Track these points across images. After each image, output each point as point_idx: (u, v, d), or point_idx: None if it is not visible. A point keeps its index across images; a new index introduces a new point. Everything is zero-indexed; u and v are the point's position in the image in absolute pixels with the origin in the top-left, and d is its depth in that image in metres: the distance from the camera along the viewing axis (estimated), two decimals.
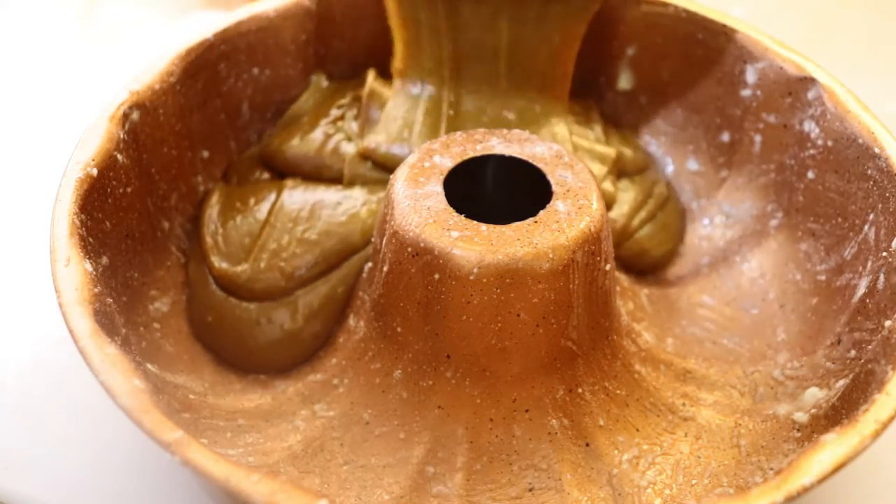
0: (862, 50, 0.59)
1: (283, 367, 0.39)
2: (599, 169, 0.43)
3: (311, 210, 0.41)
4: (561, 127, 0.44)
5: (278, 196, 0.41)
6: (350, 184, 0.42)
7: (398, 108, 0.43)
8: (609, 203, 0.43)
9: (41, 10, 0.62)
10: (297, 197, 0.41)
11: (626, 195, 0.44)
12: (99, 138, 0.36)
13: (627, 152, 0.46)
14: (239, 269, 0.40)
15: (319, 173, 0.42)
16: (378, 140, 0.42)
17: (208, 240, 0.40)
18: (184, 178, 0.42)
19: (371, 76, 0.45)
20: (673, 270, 0.44)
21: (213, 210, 0.41)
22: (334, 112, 0.45)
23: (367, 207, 0.41)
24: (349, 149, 0.43)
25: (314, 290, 0.40)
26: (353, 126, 0.44)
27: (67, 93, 0.55)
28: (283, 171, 0.43)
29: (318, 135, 0.44)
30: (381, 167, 0.42)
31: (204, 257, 0.40)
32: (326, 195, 0.41)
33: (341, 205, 0.41)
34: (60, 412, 0.39)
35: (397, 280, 0.35)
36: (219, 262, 0.40)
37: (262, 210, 0.41)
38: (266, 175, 0.43)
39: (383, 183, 0.41)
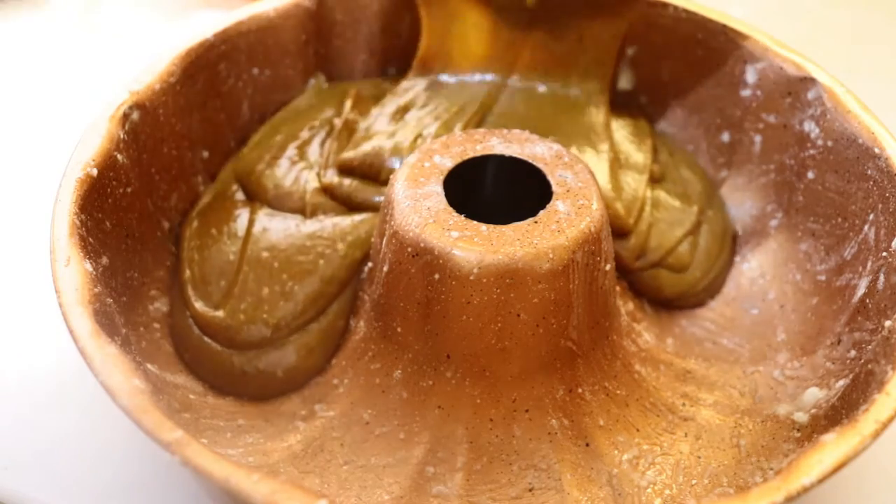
0: (862, 50, 0.59)
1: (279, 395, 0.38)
2: (680, 231, 0.43)
3: (286, 255, 0.39)
4: (639, 184, 0.43)
5: (248, 232, 0.40)
6: (313, 214, 0.41)
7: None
8: (681, 268, 0.42)
9: (41, 11, 0.62)
10: (267, 240, 0.40)
11: (701, 256, 0.43)
12: (99, 138, 0.36)
13: (696, 185, 0.45)
14: (218, 314, 0.38)
15: (283, 203, 0.41)
16: (341, 179, 0.42)
17: (187, 271, 0.39)
18: (184, 178, 0.41)
19: (349, 104, 0.45)
20: None
21: (193, 225, 0.41)
22: (304, 134, 0.44)
23: (344, 242, 0.39)
24: (310, 179, 0.42)
25: (309, 331, 0.38)
26: (317, 152, 0.43)
27: (67, 93, 0.55)
28: (249, 193, 0.42)
29: (283, 163, 0.43)
30: (342, 202, 0.41)
31: (181, 288, 0.39)
32: (297, 233, 0.40)
33: (314, 247, 0.39)
34: (60, 412, 0.39)
35: (397, 280, 0.35)
36: (195, 300, 0.38)
37: (234, 246, 0.40)
38: (239, 194, 0.42)
39: (347, 211, 0.41)
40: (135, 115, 0.38)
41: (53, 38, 0.60)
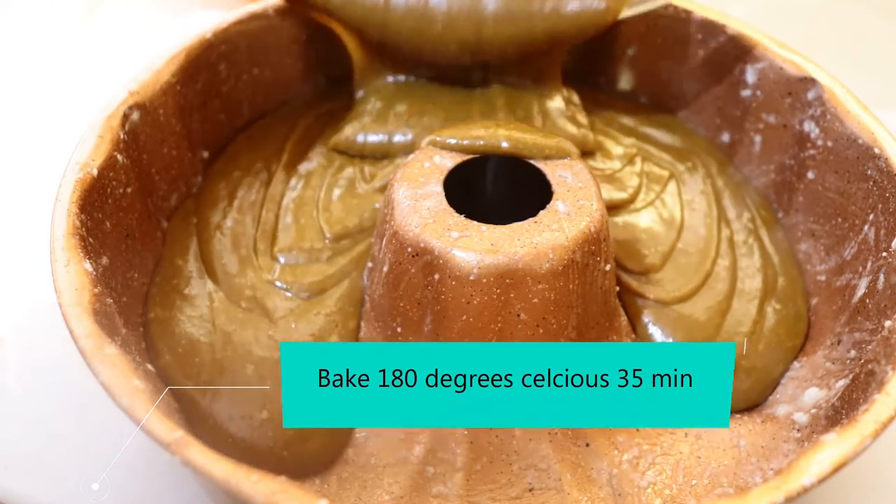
0: (862, 50, 0.59)
1: None
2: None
3: (276, 374, 0.35)
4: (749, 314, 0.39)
5: (214, 324, 0.37)
6: (277, 315, 0.37)
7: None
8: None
9: (42, 11, 0.62)
10: (244, 347, 0.36)
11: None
12: (99, 138, 0.36)
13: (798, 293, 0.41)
14: (193, 392, 0.34)
15: (237, 298, 0.38)
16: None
17: (151, 312, 0.37)
18: (184, 178, 0.41)
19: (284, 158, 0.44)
20: None
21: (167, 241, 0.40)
22: (240, 193, 0.42)
23: (335, 333, 0.37)
24: (252, 272, 0.39)
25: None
26: (251, 221, 0.41)
27: (67, 93, 0.55)
28: (201, 252, 0.40)
29: (226, 237, 0.40)
30: (295, 287, 0.38)
31: (148, 326, 0.36)
32: (277, 344, 0.36)
33: None
34: (60, 412, 0.39)
35: (397, 280, 0.35)
36: (164, 353, 0.35)
37: (202, 326, 0.37)
38: (193, 261, 0.39)
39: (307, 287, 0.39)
40: (135, 115, 0.38)
41: (54, 38, 0.60)
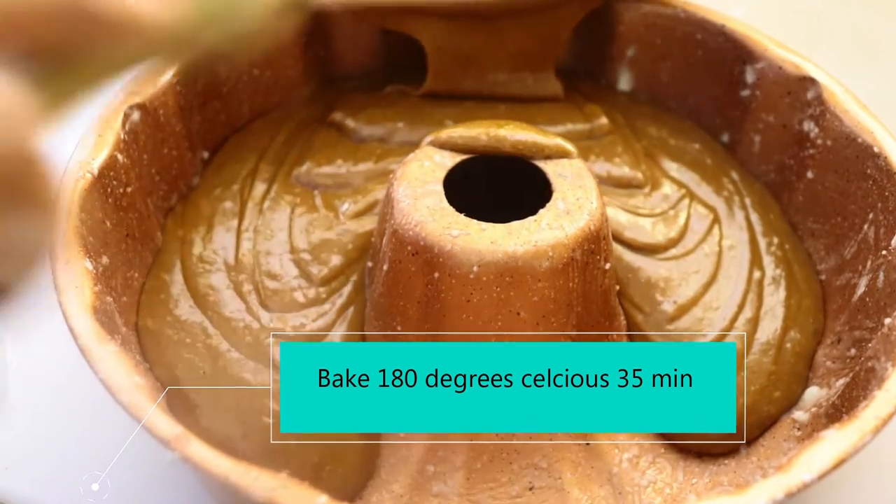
0: (862, 50, 0.59)
1: None
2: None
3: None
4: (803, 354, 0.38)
5: (216, 363, 0.36)
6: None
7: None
8: None
9: None
10: (245, 382, 0.35)
11: None
12: (99, 138, 0.36)
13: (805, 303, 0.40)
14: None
15: (238, 344, 0.36)
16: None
17: (141, 321, 0.36)
18: (184, 178, 0.41)
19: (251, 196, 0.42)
20: None
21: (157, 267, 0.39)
22: (217, 220, 0.40)
23: None
24: (247, 315, 0.37)
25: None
26: (231, 263, 0.39)
27: None
28: (187, 283, 0.38)
29: (209, 272, 0.39)
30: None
31: (140, 333, 0.36)
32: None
33: None
34: (60, 412, 0.39)
35: (397, 279, 0.35)
36: (154, 366, 0.35)
37: (203, 361, 0.36)
38: (179, 284, 0.38)
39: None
40: (135, 115, 0.38)
41: None
